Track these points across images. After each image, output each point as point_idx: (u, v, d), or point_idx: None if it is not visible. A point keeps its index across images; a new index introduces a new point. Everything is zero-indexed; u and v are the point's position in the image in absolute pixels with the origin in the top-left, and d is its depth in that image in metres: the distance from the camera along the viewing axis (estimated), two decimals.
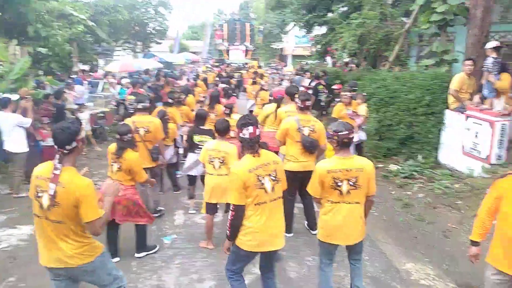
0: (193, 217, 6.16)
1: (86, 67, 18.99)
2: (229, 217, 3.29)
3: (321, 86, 11.31)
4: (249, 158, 3.25)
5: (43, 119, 8.22)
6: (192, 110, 9.08)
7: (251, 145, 3.24)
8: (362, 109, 7.74)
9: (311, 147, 5.02)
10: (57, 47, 9.78)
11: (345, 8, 13.75)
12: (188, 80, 20.76)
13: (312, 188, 3.53)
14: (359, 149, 7.77)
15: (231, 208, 3.27)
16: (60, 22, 11.20)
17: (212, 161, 4.82)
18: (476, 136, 6.65)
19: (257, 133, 3.24)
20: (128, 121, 5.85)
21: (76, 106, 10.28)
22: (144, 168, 5.80)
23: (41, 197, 2.75)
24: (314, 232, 5.44)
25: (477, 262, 3.15)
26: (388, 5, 11.71)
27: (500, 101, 6.39)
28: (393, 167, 7.67)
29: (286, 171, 5.05)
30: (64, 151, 2.75)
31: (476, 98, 6.90)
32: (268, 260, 3.49)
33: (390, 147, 8.21)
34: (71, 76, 14.70)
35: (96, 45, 22.09)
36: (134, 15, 25.54)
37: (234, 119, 5.83)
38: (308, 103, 5.11)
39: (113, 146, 4.74)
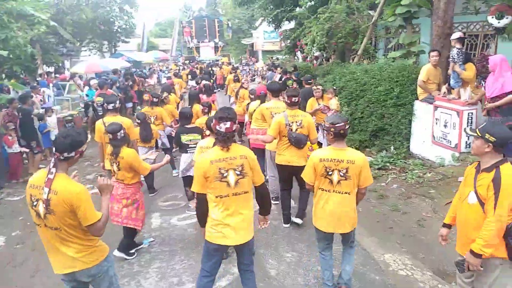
0: (169, 219, 6.07)
1: (51, 69, 18.40)
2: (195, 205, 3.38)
3: (290, 81, 11.34)
4: (216, 150, 3.27)
5: (8, 125, 7.91)
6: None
7: (225, 140, 3.21)
8: (333, 102, 7.83)
9: (295, 142, 5.14)
10: (18, 49, 9.36)
11: (313, 3, 13.82)
12: (158, 78, 20.48)
13: (306, 174, 3.75)
14: None
15: (195, 196, 3.35)
16: (20, 24, 10.72)
17: None
18: (445, 125, 6.83)
19: (233, 128, 3.23)
20: (99, 122, 5.76)
21: (42, 111, 9.94)
22: None
23: (37, 205, 2.78)
24: (297, 221, 5.53)
25: (445, 243, 3.35)
26: None
27: (467, 90, 6.56)
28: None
29: (276, 164, 5.32)
30: (61, 157, 2.78)
31: (443, 88, 7.07)
32: (241, 255, 3.51)
33: (363, 139, 8.33)
34: (36, 79, 14.20)
35: (61, 46, 21.42)
36: (98, 14, 24.79)
37: None
38: (294, 99, 5.20)
39: (109, 148, 4.72)
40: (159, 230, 5.70)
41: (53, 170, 2.75)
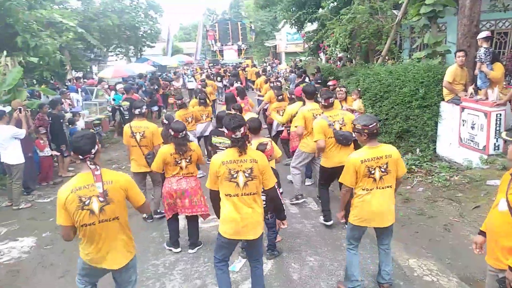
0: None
1: (80, 75, 18.94)
2: None
3: (303, 84, 11.32)
4: (229, 151, 3.48)
5: (40, 129, 8.18)
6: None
7: (242, 144, 3.42)
8: (357, 104, 7.75)
9: (344, 140, 5.18)
10: (47, 56, 9.70)
11: (335, 4, 13.72)
12: (183, 81, 20.78)
13: (348, 179, 3.75)
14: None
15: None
16: (49, 31, 11.10)
17: None
18: (472, 127, 6.67)
19: (246, 131, 3.47)
20: (126, 126, 5.98)
21: (71, 115, 10.23)
22: (142, 173, 5.94)
23: (90, 203, 2.91)
24: (328, 223, 5.57)
25: (479, 252, 3.14)
26: None
27: (495, 91, 6.38)
28: None
29: (321, 166, 5.40)
30: (91, 155, 2.97)
31: (470, 89, 6.90)
32: (251, 248, 3.77)
33: (387, 141, 8.19)
34: (65, 84, 14.65)
35: (88, 52, 21.98)
36: (124, 20, 25.31)
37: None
38: (331, 100, 5.28)
39: (167, 148, 4.88)
40: (183, 233, 5.75)
41: (98, 167, 2.96)
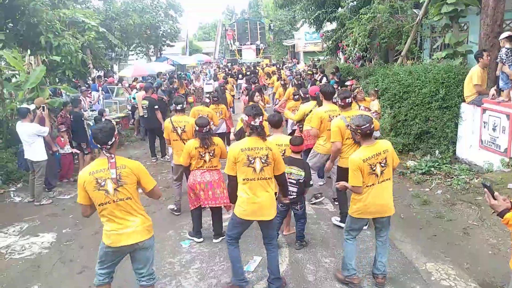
0: (210, 220, 6.17)
1: (101, 73, 19.26)
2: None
3: (317, 83, 11.27)
4: (247, 140, 3.84)
5: (60, 127, 8.35)
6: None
7: (260, 131, 3.80)
8: (375, 104, 7.68)
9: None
10: (69, 55, 9.90)
11: (354, 3, 13.61)
12: (203, 80, 20.93)
13: (356, 180, 3.87)
14: None
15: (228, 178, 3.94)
16: (71, 31, 11.30)
17: None
18: (493, 129, 6.53)
19: (262, 121, 3.84)
20: (167, 121, 6.33)
21: (92, 113, 10.41)
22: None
23: (105, 185, 3.29)
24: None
25: None
26: None
27: None
28: (410, 163, 7.58)
29: (338, 167, 5.33)
30: (108, 146, 3.31)
31: (492, 90, 6.76)
32: (265, 229, 4.05)
33: (406, 142, 8.11)
34: (87, 82, 14.91)
35: (109, 51, 22.31)
36: (144, 19, 25.63)
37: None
38: (348, 100, 5.29)
39: (193, 143, 5.12)
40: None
41: (113, 156, 3.31)
